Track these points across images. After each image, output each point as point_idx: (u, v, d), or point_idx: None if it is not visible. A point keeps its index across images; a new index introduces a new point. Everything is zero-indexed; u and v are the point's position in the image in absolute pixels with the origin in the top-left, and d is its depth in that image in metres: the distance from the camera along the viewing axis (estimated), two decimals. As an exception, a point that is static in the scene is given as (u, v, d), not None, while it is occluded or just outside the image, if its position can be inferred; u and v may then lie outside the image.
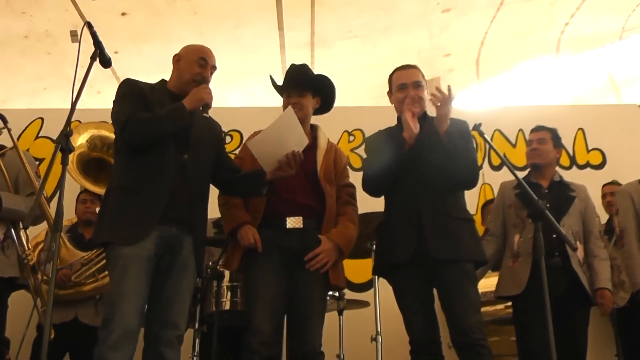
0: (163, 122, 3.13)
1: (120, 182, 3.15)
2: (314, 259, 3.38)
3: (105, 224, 3.09)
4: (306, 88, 3.65)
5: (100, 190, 4.94)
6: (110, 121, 3.29)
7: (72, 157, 4.81)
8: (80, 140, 4.96)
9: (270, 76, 3.76)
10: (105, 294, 4.57)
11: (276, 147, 3.31)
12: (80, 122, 5.29)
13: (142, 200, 3.07)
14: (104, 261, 4.59)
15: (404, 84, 3.61)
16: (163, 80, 3.43)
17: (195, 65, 3.34)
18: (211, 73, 3.41)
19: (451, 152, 3.35)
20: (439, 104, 3.35)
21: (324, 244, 3.41)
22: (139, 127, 3.09)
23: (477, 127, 3.42)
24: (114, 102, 3.24)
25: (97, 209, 4.90)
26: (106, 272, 4.50)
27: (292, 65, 3.76)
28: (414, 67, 3.70)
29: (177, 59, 3.41)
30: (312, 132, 3.70)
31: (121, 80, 3.39)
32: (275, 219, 3.43)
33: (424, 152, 3.41)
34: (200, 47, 3.44)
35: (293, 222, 3.43)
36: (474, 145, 3.61)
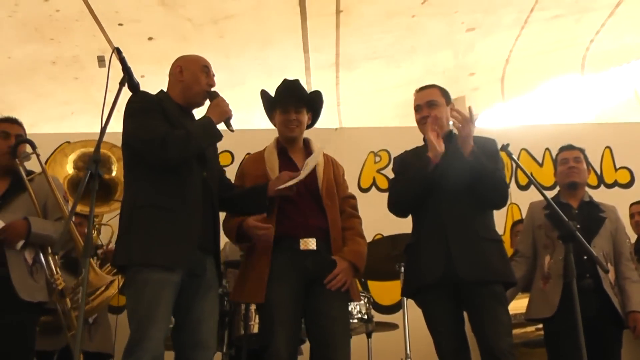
0: (199, 139, 3.11)
1: (148, 200, 3.06)
2: (333, 280, 3.34)
3: (136, 245, 2.99)
4: (303, 104, 3.64)
5: (97, 210, 4.85)
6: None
7: (63, 183, 4.72)
8: (68, 163, 4.90)
9: (263, 91, 3.72)
10: (129, 316, 4.53)
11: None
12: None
13: (178, 222, 3.02)
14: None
15: (418, 105, 3.62)
16: (163, 92, 3.36)
17: (202, 74, 3.33)
18: None
19: (477, 172, 3.32)
20: (460, 125, 3.33)
21: (340, 265, 3.37)
22: (178, 145, 3.03)
23: (505, 148, 3.38)
24: (130, 116, 3.14)
25: (86, 230, 4.87)
26: (96, 295, 4.39)
27: (286, 80, 3.72)
28: (431, 86, 3.68)
29: (179, 70, 3.34)
30: (306, 147, 3.68)
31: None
32: (289, 241, 3.39)
33: (450, 172, 3.37)
34: (199, 57, 3.42)
35: (306, 243, 3.40)
36: (502, 164, 3.56)
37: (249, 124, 8.27)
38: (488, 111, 10.26)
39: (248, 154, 6.26)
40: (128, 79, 3.04)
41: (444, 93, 3.65)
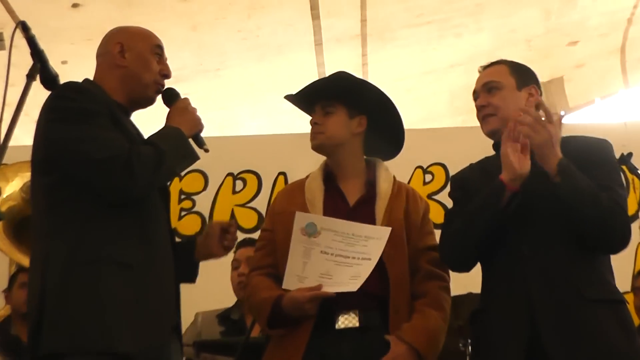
0: (175, 161, 3.13)
1: (95, 253, 2.95)
2: None
3: (81, 323, 2.87)
4: (335, 99, 3.62)
5: None
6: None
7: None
8: (8, 189, 4.91)
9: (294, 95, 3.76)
10: None
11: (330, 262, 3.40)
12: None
13: (146, 286, 3.01)
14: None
15: (475, 91, 3.61)
16: (91, 82, 3.28)
17: (153, 57, 3.31)
18: None
19: (571, 198, 3.26)
20: (528, 130, 3.21)
21: (394, 348, 3.33)
22: (148, 169, 2.99)
23: (625, 159, 3.34)
24: (63, 120, 3.02)
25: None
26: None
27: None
28: (497, 63, 3.64)
29: (119, 48, 3.27)
30: (369, 171, 3.68)
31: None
32: (320, 318, 3.37)
33: (534, 201, 3.31)
34: (147, 31, 3.41)
35: (346, 320, 3.39)
36: (622, 180, 3.51)
37: (230, 127, 8.32)
38: (601, 100, 10.28)
39: (230, 174, 6.33)
40: (41, 67, 3.02)
41: (517, 70, 3.59)
